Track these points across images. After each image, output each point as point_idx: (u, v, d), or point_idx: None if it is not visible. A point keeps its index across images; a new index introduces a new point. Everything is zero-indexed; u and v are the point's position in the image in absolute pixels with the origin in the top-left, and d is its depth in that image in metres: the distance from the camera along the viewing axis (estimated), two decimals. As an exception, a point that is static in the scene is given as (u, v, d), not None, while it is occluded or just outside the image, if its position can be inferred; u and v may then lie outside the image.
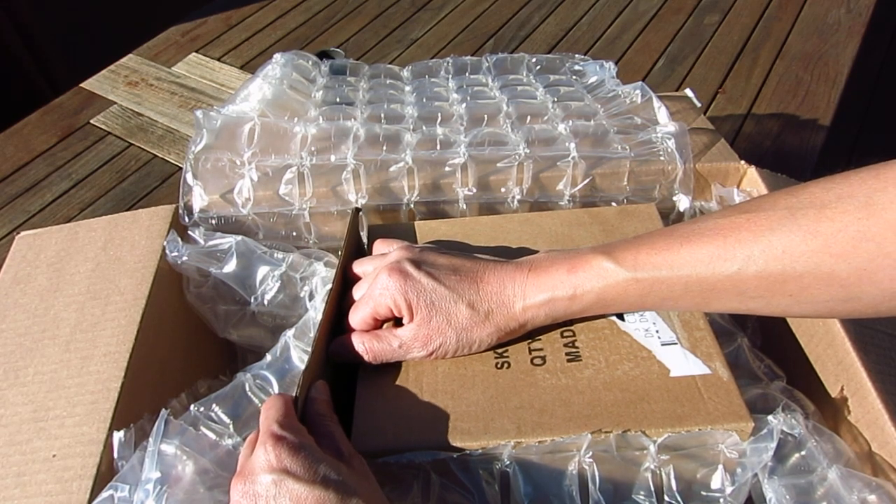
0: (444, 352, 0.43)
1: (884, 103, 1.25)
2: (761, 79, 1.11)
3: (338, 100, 0.65)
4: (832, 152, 0.99)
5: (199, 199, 0.56)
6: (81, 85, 1.15)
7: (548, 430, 0.39)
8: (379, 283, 0.43)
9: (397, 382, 0.43)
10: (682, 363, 0.41)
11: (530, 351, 0.44)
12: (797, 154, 0.97)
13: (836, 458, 0.38)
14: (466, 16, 1.30)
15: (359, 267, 0.49)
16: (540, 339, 0.45)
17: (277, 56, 0.65)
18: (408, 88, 0.69)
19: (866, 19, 1.20)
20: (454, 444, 0.39)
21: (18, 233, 0.57)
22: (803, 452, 0.38)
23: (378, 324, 0.45)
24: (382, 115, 0.63)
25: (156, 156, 1.02)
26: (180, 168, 0.85)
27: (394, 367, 0.44)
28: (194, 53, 1.22)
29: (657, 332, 0.44)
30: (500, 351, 0.44)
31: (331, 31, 1.28)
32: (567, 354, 0.43)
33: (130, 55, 1.21)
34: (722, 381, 0.40)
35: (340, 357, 0.44)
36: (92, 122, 1.08)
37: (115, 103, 1.11)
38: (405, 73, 0.72)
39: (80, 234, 0.56)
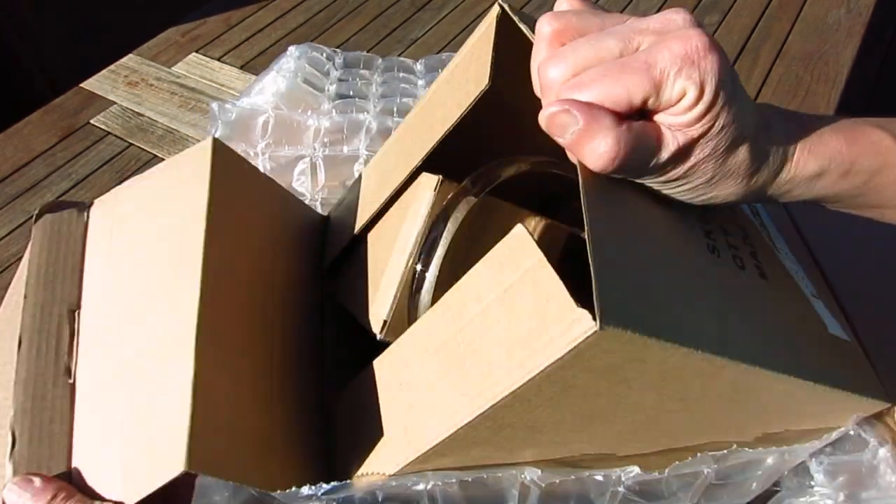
0: (679, 184, 0.31)
1: (884, 103, 1.26)
2: (761, 79, 1.11)
3: (351, 93, 0.64)
4: (835, 150, 1.00)
5: (212, 191, 0.56)
6: (81, 85, 1.14)
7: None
8: (686, 44, 0.27)
9: None
10: (832, 322, 0.39)
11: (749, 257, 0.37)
12: (800, 152, 0.97)
13: (884, 440, 0.38)
14: (467, 15, 1.30)
15: (577, 21, 0.31)
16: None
17: (292, 49, 0.65)
18: (420, 82, 0.69)
19: (866, 19, 1.21)
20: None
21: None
22: (851, 431, 0.38)
23: (626, 111, 0.28)
24: (395, 109, 0.63)
25: (156, 156, 1.01)
26: (185, 165, 0.84)
27: None
28: (194, 53, 1.21)
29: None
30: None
31: (331, 31, 1.28)
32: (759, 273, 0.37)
33: (130, 55, 1.21)
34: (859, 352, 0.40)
35: (561, 133, 0.28)
36: (92, 122, 1.07)
37: (115, 103, 1.10)
38: (418, 66, 0.72)
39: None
